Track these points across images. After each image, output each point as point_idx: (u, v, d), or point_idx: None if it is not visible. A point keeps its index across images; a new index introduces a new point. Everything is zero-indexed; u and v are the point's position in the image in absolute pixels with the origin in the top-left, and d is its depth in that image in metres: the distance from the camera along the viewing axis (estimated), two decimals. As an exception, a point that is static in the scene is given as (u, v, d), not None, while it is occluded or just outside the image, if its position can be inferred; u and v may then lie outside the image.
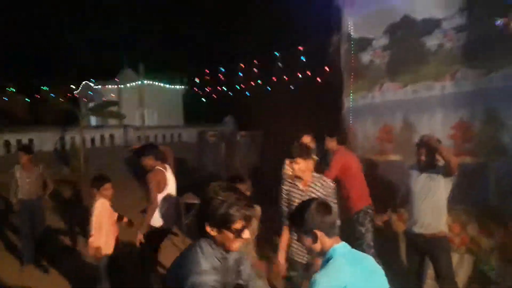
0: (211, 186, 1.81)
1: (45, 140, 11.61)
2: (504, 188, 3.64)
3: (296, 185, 3.38)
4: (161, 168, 4.25)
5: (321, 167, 4.31)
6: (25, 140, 11.19)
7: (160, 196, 4.16)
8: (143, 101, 12.36)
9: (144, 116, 12.65)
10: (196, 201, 6.11)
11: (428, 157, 3.49)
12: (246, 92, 12.89)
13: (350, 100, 5.25)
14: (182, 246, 5.76)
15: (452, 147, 4.07)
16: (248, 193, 2.78)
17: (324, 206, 2.04)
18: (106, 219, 4.03)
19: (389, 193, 4.67)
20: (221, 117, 16.42)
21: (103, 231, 3.99)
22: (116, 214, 4.23)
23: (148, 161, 4.24)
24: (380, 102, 4.86)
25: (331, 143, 4.54)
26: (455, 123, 4.11)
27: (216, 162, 5.91)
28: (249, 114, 13.52)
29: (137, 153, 4.37)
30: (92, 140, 12.63)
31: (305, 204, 2.06)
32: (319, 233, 1.97)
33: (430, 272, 3.92)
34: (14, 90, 21.03)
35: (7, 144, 10.99)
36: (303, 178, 3.34)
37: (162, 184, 4.20)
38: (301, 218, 2.01)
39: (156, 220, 4.15)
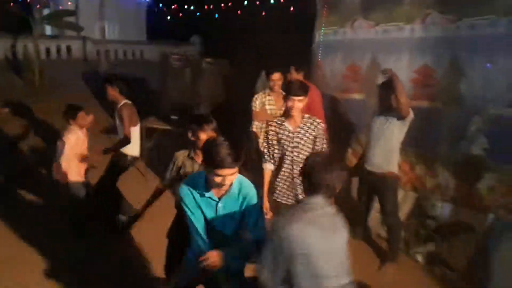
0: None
1: (-5, 47, 10.80)
2: (454, 134, 3.87)
3: (285, 126, 3.25)
4: (129, 102, 4.26)
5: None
6: (-29, 46, 10.36)
7: (133, 130, 4.24)
8: (103, 13, 11.54)
9: (104, 30, 11.90)
10: (158, 126, 6.07)
11: (386, 99, 3.64)
12: (215, 14, 12.29)
13: (321, 34, 5.17)
14: (143, 170, 5.84)
15: (412, 90, 4.22)
16: (214, 134, 2.73)
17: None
18: (79, 149, 4.03)
19: (349, 130, 4.87)
20: (186, 37, 15.82)
21: (74, 162, 4.01)
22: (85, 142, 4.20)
23: (113, 92, 4.19)
24: (350, 39, 4.83)
25: (298, 77, 4.43)
26: (419, 67, 4.20)
27: (180, 88, 5.78)
28: (216, 38, 13.04)
29: (105, 79, 4.21)
30: (47, 51, 11.87)
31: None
32: None
33: (377, 206, 4.26)
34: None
35: (-49, 48, 10.15)
36: (295, 119, 3.21)
37: (134, 118, 4.27)
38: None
39: (130, 149, 4.29)
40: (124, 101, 4.27)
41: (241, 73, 6.54)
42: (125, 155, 4.31)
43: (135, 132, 4.31)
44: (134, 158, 4.44)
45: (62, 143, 3.95)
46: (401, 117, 3.59)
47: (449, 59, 3.93)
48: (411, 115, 3.67)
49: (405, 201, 4.35)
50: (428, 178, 4.13)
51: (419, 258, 4.15)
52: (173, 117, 5.87)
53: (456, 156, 3.85)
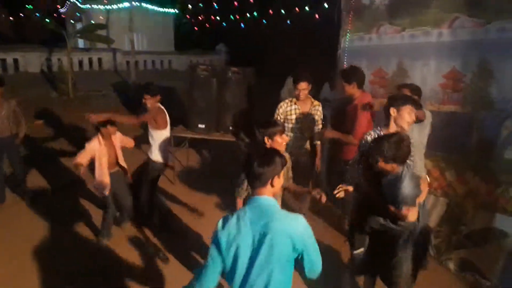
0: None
1: (31, 61, 11.31)
2: (485, 140, 3.79)
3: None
4: (163, 108, 4.45)
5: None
6: (9, 60, 10.90)
7: (164, 133, 4.44)
8: (132, 25, 11.88)
9: (133, 41, 12.24)
10: (186, 134, 6.20)
11: None
12: (241, 24, 12.43)
13: (347, 41, 5.17)
14: (170, 177, 5.99)
15: (440, 95, 4.17)
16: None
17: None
18: (98, 160, 4.20)
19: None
20: (212, 46, 16.09)
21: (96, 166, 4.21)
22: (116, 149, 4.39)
23: (152, 100, 4.31)
24: (376, 45, 4.81)
25: (352, 90, 4.21)
26: (447, 72, 4.14)
27: (206, 98, 5.89)
28: (242, 47, 13.17)
29: (146, 89, 4.35)
30: (80, 63, 12.36)
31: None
32: None
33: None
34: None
35: (-9, 63, 10.69)
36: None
37: (166, 122, 4.46)
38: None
39: (158, 156, 4.46)
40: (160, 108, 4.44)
41: (267, 81, 6.62)
42: (154, 162, 4.46)
43: (163, 136, 4.47)
44: (163, 165, 4.56)
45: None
46: (418, 120, 3.57)
47: (478, 62, 3.87)
48: (428, 117, 3.70)
49: (435, 207, 4.28)
50: (459, 183, 4.06)
51: (451, 265, 4.07)
52: (200, 125, 5.98)
53: (488, 161, 3.77)
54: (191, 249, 4.30)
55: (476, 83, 3.89)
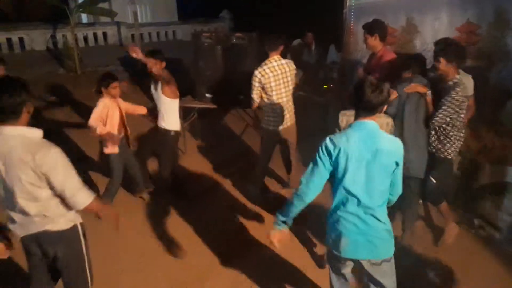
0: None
1: (36, 39, 11.23)
2: (500, 92, 3.67)
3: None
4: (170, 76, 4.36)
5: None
6: (15, 39, 10.85)
7: (174, 102, 4.41)
8: (134, -3, 11.65)
9: (136, 13, 12.01)
10: (194, 104, 6.15)
11: None
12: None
13: (352, -1, 4.99)
14: (182, 147, 6.00)
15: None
16: None
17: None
18: (110, 116, 4.15)
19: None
20: (216, 13, 15.72)
21: (106, 126, 4.16)
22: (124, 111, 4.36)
23: (159, 66, 4.20)
24: (383, 1, 4.63)
25: (374, 42, 4.12)
26: (461, 25, 3.97)
27: (212, 66, 5.80)
28: (246, 12, 12.85)
29: (153, 54, 4.23)
30: (85, 39, 12.23)
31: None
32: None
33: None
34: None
35: (-4, 43, 10.65)
36: None
37: (175, 91, 4.40)
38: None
39: (174, 125, 4.47)
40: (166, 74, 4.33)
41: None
42: (169, 131, 4.46)
43: (175, 105, 4.46)
44: (177, 133, 4.57)
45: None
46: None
47: (493, 12, 3.69)
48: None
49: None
50: (473, 139, 3.97)
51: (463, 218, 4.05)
52: (208, 95, 5.93)
53: (502, 116, 3.66)
54: (208, 217, 4.36)
55: (493, 34, 3.73)
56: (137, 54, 3.90)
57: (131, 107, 4.46)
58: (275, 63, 4.34)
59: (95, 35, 12.46)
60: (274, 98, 4.38)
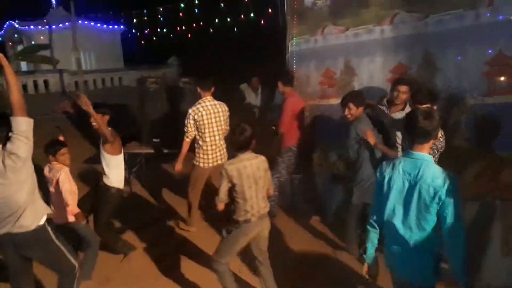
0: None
1: (-31, 88, 10.64)
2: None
3: None
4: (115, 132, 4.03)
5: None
6: None
7: (117, 158, 4.07)
8: (77, 44, 11.48)
9: (80, 60, 11.83)
10: (140, 150, 5.98)
11: None
12: (188, 34, 12.31)
13: (293, 44, 5.20)
14: (128, 196, 5.75)
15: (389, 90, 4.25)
16: None
17: None
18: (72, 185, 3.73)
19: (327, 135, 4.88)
20: (163, 59, 15.85)
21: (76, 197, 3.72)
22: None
23: (102, 120, 3.87)
24: (322, 46, 4.86)
25: (282, 88, 4.88)
26: (394, 67, 4.25)
27: (159, 111, 5.74)
28: (192, 58, 13.06)
29: (96, 107, 3.95)
30: (24, 87, 11.77)
31: None
32: None
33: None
34: None
35: None
36: None
37: (119, 148, 4.09)
38: None
39: (115, 182, 4.08)
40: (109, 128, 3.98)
41: (222, 87, 6.53)
42: (110, 187, 4.06)
43: (117, 161, 4.10)
44: (119, 190, 4.15)
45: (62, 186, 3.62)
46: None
47: (422, 55, 4.00)
48: None
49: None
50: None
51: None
52: (155, 140, 5.81)
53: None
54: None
55: (422, 74, 4.01)
56: (87, 106, 3.63)
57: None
58: (208, 103, 4.55)
59: (35, 83, 12.06)
60: (207, 136, 4.52)
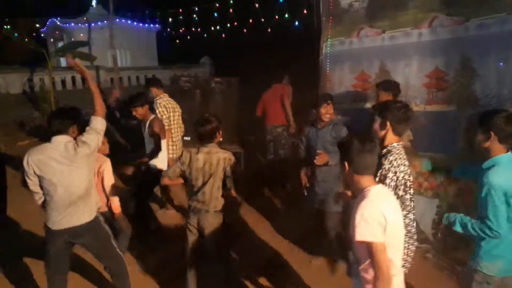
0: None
1: (12, 82, 11.14)
2: (471, 137, 3.75)
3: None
4: (158, 117, 4.61)
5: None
6: (-10, 82, 10.72)
7: (163, 143, 4.52)
8: (114, 42, 11.78)
9: (116, 57, 12.14)
10: None
11: None
12: (222, 34, 12.41)
13: (328, 46, 5.16)
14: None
15: (425, 95, 4.14)
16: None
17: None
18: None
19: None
20: (196, 59, 16.02)
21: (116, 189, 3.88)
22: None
23: (143, 111, 4.44)
24: (357, 49, 4.79)
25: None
26: (431, 71, 4.13)
27: (190, 109, 5.81)
28: (224, 58, 13.15)
29: (132, 101, 4.42)
30: (63, 82, 12.20)
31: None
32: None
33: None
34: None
35: (-29, 86, 10.49)
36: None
37: (164, 131, 4.56)
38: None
39: (162, 163, 4.53)
40: (153, 115, 4.56)
41: (252, 89, 6.56)
42: (153, 167, 4.46)
43: (164, 145, 4.55)
44: (160, 171, 4.31)
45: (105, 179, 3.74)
46: None
47: (460, 60, 3.86)
48: None
49: (428, 209, 4.22)
50: (449, 183, 4.01)
51: (446, 264, 4.00)
52: (186, 138, 5.88)
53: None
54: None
55: (460, 80, 3.88)
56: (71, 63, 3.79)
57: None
58: (165, 99, 5.01)
59: (73, 78, 12.45)
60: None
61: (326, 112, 3.82)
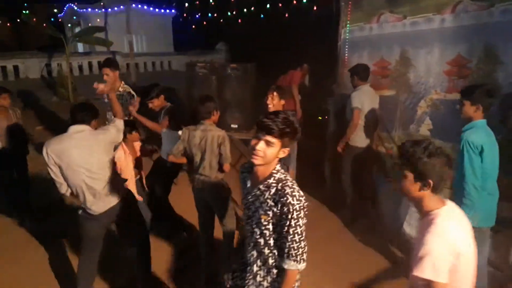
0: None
1: (31, 67, 11.28)
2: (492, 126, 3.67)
3: None
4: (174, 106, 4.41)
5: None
6: (10, 67, 10.87)
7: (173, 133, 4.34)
8: (130, 27, 11.79)
9: (132, 43, 12.16)
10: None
11: None
12: (238, 20, 12.30)
13: (347, 32, 5.06)
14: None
15: (446, 82, 4.05)
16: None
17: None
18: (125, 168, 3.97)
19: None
20: (212, 45, 15.97)
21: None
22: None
23: (159, 102, 4.32)
24: (377, 35, 4.70)
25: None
26: (452, 59, 4.02)
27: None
28: (241, 44, 13.06)
29: (147, 94, 4.32)
30: (80, 67, 12.30)
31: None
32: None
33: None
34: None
35: (-9, 70, 10.65)
36: None
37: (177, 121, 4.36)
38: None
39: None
40: (169, 104, 4.43)
41: (269, 75, 6.51)
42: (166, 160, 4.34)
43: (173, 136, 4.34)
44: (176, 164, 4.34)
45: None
46: None
47: (483, 47, 3.75)
48: None
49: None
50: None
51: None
52: (233, 125, 5.89)
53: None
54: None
55: (482, 68, 3.77)
56: (100, 91, 4.02)
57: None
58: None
59: (90, 64, 12.55)
60: None
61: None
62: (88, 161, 2.99)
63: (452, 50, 4.01)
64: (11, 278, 3.84)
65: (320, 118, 6.86)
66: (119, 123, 3.30)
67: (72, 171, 2.97)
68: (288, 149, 1.92)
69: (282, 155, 1.92)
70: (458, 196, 2.95)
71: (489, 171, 2.96)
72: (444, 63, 4.07)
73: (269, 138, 1.84)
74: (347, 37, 5.04)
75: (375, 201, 4.86)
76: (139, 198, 3.93)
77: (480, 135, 2.95)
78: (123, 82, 4.69)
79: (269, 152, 1.86)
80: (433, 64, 4.16)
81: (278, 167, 1.97)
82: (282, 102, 3.94)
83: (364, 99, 4.52)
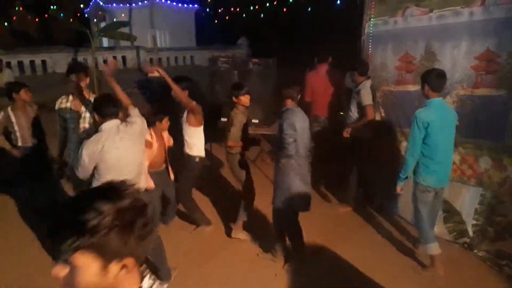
0: None
1: (58, 61, 11.57)
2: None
3: None
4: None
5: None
6: (38, 62, 11.16)
7: (199, 130, 4.32)
8: (154, 22, 11.93)
9: (155, 38, 12.30)
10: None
11: None
12: (261, 14, 12.27)
13: (371, 26, 4.97)
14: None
15: (473, 78, 3.93)
16: None
17: None
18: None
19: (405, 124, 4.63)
20: (234, 40, 16.00)
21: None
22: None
23: (183, 94, 4.15)
24: (402, 28, 4.59)
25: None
26: (481, 53, 3.90)
27: (228, 90, 5.80)
28: (264, 39, 13.04)
29: (177, 81, 4.20)
30: (105, 62, 12.53)
31: None
32: None
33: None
34: (21, 9, 20.44)
35: (20, 65, 10.96)
36: None
37: (200, 121, 4.31)
38: None
39: (200, 151, 4.38)
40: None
41: (291, 70, 6.47)
42: (192, 157, 4.34)
43: (200, 133, 4.35)
44: (201, 158, 4.40)
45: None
46: None
47: (514, 41, 3.62)
48: None
49: (470, 198, 4.06)
50: (495, 171, 3.83)
51: (487, 257, 3.86)
52: (223, 119, 5.92)
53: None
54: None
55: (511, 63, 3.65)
56: (159, 72, 3.96)
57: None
58: None
59: (115, 58, 12.76)
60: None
61: None
62: (128, 155, 3.12)
63: (481, 45, 3.88)
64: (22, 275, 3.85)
65: (342, 113, 6.77)
66: (137, 111, 3.35)
67: (113, 168, 3.05)
68: None
69: None
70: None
71: (437, 143, 3.39)
72: (471, 58, 3.96)
73: None
74: (371, 31, 4.94)
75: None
76: (150, 186, 3.84)
77: (428, 112, 3.38)
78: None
79: None
80: (459, 59, 4.05)
81: None
82: None
83: (371, 95, 4.64)
